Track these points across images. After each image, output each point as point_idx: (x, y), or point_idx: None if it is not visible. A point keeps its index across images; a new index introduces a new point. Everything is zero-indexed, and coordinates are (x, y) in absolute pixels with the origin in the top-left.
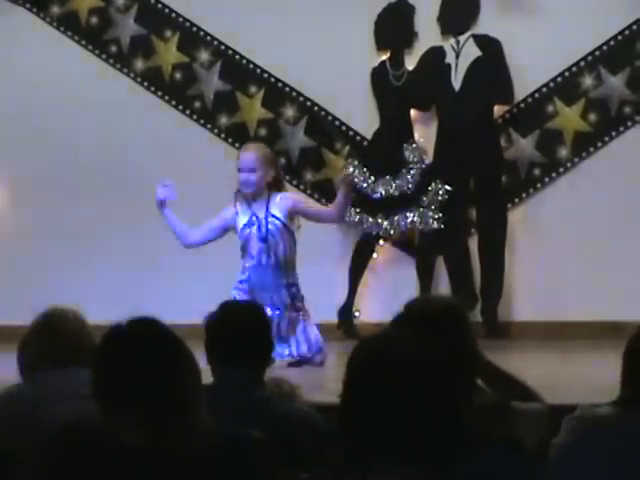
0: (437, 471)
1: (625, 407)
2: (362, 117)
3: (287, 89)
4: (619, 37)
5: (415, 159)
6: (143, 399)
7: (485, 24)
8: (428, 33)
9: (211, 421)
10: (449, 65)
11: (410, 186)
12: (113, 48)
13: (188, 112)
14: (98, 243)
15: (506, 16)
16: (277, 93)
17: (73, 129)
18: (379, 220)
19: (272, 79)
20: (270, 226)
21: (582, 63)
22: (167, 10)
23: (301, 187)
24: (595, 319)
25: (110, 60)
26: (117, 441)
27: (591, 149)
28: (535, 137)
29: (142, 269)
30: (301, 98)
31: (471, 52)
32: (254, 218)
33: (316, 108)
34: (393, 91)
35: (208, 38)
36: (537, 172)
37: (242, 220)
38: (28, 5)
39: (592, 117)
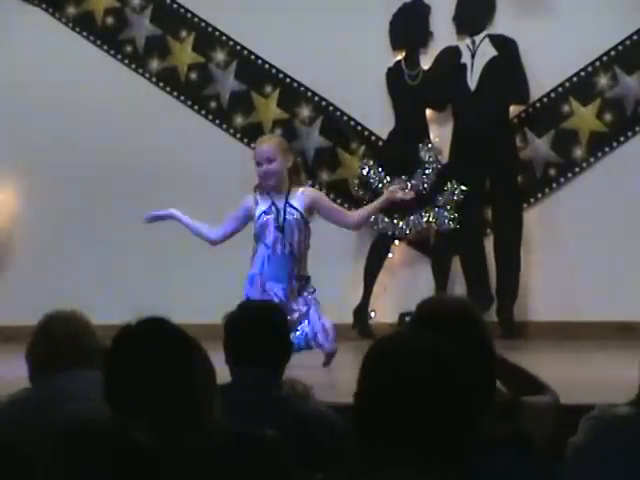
0: (452, 470)
1: None
2: (377, 117)
3: (302, 89)
4: (634, 37)
5: (431, 159)
6: (154, 399)
7: (501, 24)
8: (443, 33)
9: (226, 421)
10: (465, 65)
11: (426, 186)
12: (128, 48)
13: (203, 112)
14: (114, 243)
15: (522, 16)
16: (292, 93)
17: (88, 129)
18: (395, 220)
19: (287, 79)
20: (288, 216)
21: (597, 63)
22: (182, 10)
23: (316, 187)
24: (611, 319)
25: (125, 60)
26: (129, 441)
27: (607, 149)
28: (550, 137)
29: (159, 269)
30: (316, 98)
31: (487, 52)
32: (273, 207)
33: (331, 108)
34: (408, 91)
35: (223, 38)
36: (552, 172)
37: (261, 207)
38: (44, 5)
39: (607, 117)
